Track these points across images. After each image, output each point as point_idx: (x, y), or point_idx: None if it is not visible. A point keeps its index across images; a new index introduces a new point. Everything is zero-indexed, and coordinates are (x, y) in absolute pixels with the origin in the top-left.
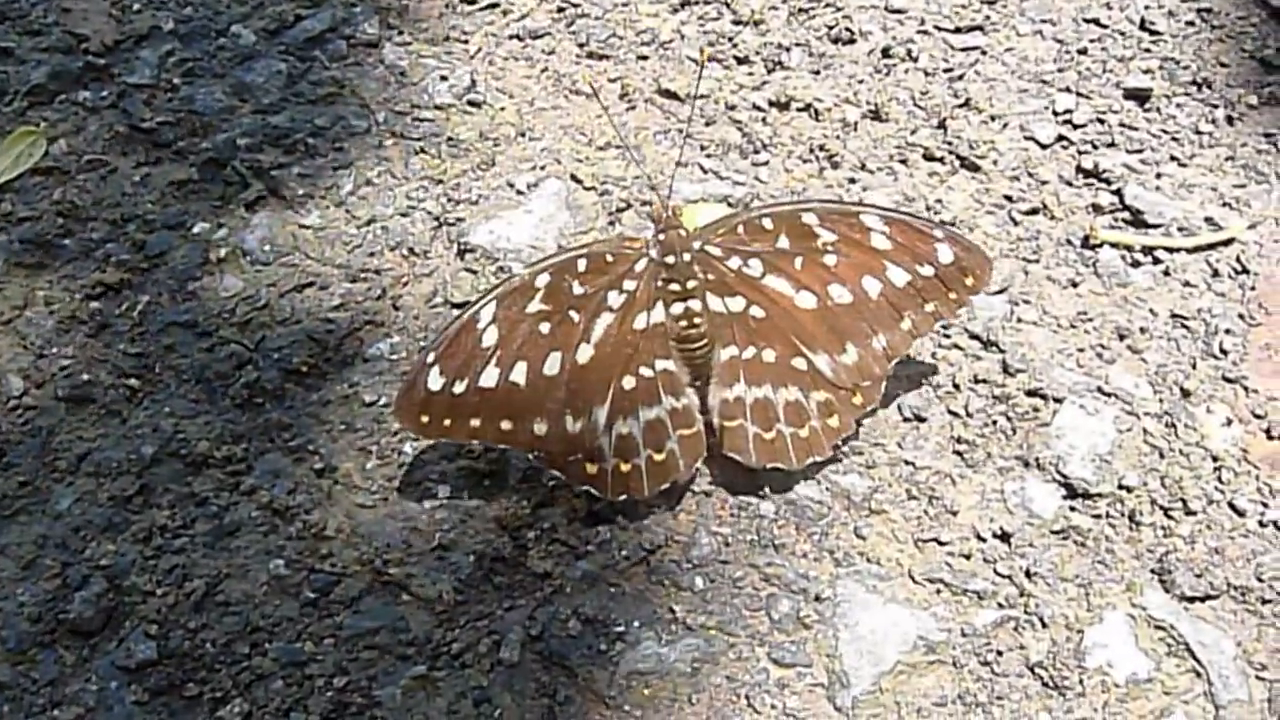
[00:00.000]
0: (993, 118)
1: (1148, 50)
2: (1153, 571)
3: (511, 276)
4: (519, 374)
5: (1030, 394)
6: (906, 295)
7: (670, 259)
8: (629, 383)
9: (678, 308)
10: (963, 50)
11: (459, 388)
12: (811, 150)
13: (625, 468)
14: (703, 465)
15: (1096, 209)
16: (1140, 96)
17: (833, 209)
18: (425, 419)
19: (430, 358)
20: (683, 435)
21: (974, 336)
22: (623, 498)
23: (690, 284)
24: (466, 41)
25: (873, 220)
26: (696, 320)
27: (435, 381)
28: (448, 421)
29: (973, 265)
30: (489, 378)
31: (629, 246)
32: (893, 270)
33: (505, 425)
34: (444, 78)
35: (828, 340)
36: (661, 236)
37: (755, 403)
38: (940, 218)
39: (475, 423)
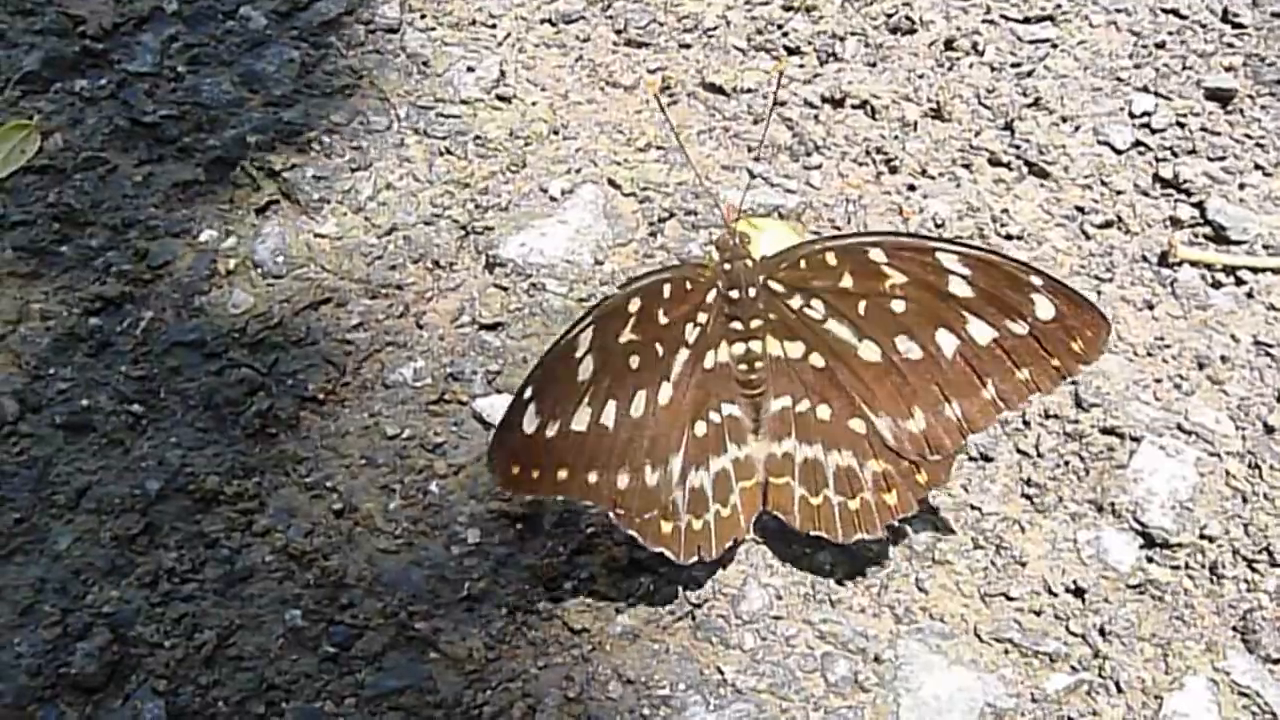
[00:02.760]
0: (1064, 119)
1: (1230, 45)
2: (1235, 630)
3: (609, 296)
4: (609, 415)
5: (1105, 431)
6: (991, 356)
7: (735, 293)
8: (700, 429)
9: (739, 348)
10: (1031, 43)
11: (551, 431)
12: (867, 152)
13: (697, 525)
14: None
15: (1175, 223)
16: (1223, 97)
17: (903, 244)
18: (516, 469)
19: (528, 392)
20: (744, 488)
21: None
22: (694, 561)
23: (754, 323)
24: (494, 26)
25: (951, 260)
26: (757, 364)
27: (530, 422)
28: (536, 473)
29: (1082, 326)
30: (580, 420)
31: (702, 275)
32: (974, 324)
33: (591, 477)
34: (470, 69)
35: (891, 402)
36: (727, 267)
37: (805, 462)
38: (1006, 230)
39: (563, 474)
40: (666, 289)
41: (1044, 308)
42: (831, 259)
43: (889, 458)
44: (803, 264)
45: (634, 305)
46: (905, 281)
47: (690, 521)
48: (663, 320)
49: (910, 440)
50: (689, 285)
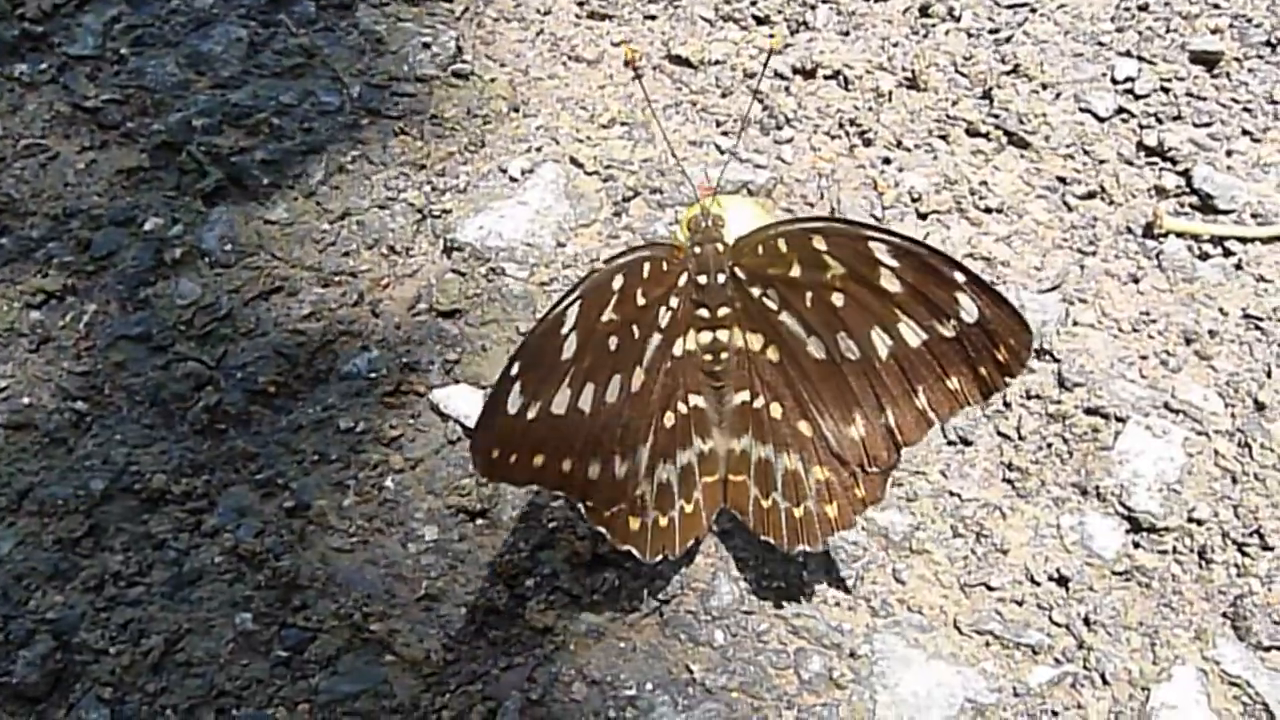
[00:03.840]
0: (1044, 86)
1: (1216, 6)
2: (1225, 616)
3: (595, 270)
4: (586, 399)
5: (1089, 412)
6: (922, 361)
7: (704, 278)
8: (669, 419)
9: (705, 337)
10: (1010, 7)
11: (532, 413)
12: (841, 125)
13: (663, 521)
14: None
15: (1160, 192)
16: (1209, 60)
17: (838, 230)
18: (497, 453)
19: (515, 368)
20: (707, 484)
21: None
22: (659, 560)
23: (721, 311)
24: (451, 0)
25: (881, 250)
26: (723, 355)
27: (514, 402)
28: (514, 458)
29: (1005, 333)
30: (560, 402)
31: (676, 256)
32: (904, 324)
33: (565, 465)
34: (426, 45)
35: (836, 404)
36: (698, 250)
37: (759, 461)
38: (985, 203)
39: (538, 460)
40: (646, 268)
41: (968, 309)
42: (782, 245)
43: (833, 466)
44: (760, 250)
45: (617, 282)
46: (843, 273)
47: (657, 518)
48: (640, 301)
49: (850, 447)
50: (665, 266)
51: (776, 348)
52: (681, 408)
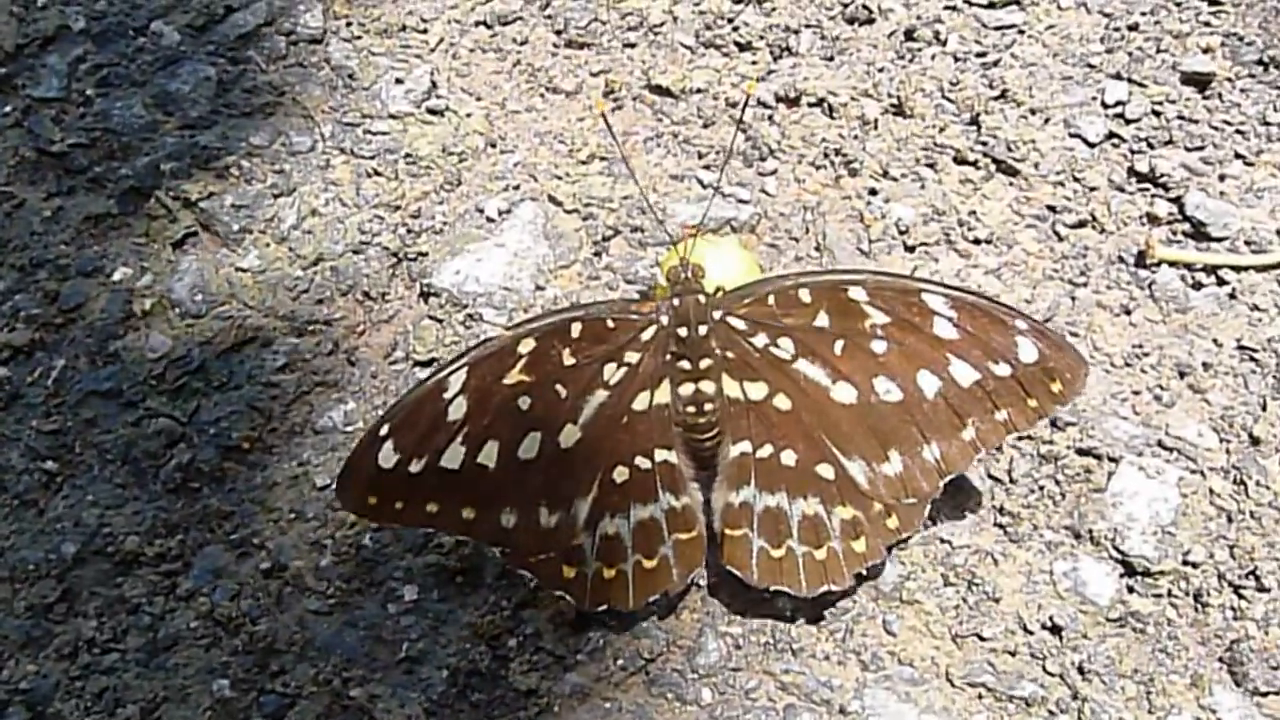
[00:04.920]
0: (1033, 111)
1: (1207, 24)
2: (1221, 661)
3: (489, 339)
4: (488, 455)
5: (1082, 452)
6: (973, 398)
7: (684, 330)
8: (621, 474)
9: (686, 389)
10: (997, 29)
11: (416, 466)
12: (826, 154)
13: (609, 574)
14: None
15: (1152, 220)
16: (1200, 81)
17: (887, 284)
18: (373, 500)
19: (384, 429)
20: (679, 540)
21: None
22: (602, 609)
23: (704, 362)
24: (425, 31)
25: (937, 302)
26: (707, 406)
27: (388, 458)
28: (399, 505)
29: (1062, 367)
30: (452, 458)
31: (636, 311)
32: (958, 366)
33: (467, 513)
34: (399, 80)
35: (866, 444)
36: (677, 301)
37: (765, 512)
38: (974, 234)
39: (432, 508)
40: (576, 329)
41: (1027, 350)
42: (806, 295)
43: (859, 503)
44: (771, 300)
45: (525, 346)
46: (888, 322)
47: (600, 570)
48: (568, 361)
49: (885, 484)
50: (611, 323)
51: (787, 395)
52: (642, 462)
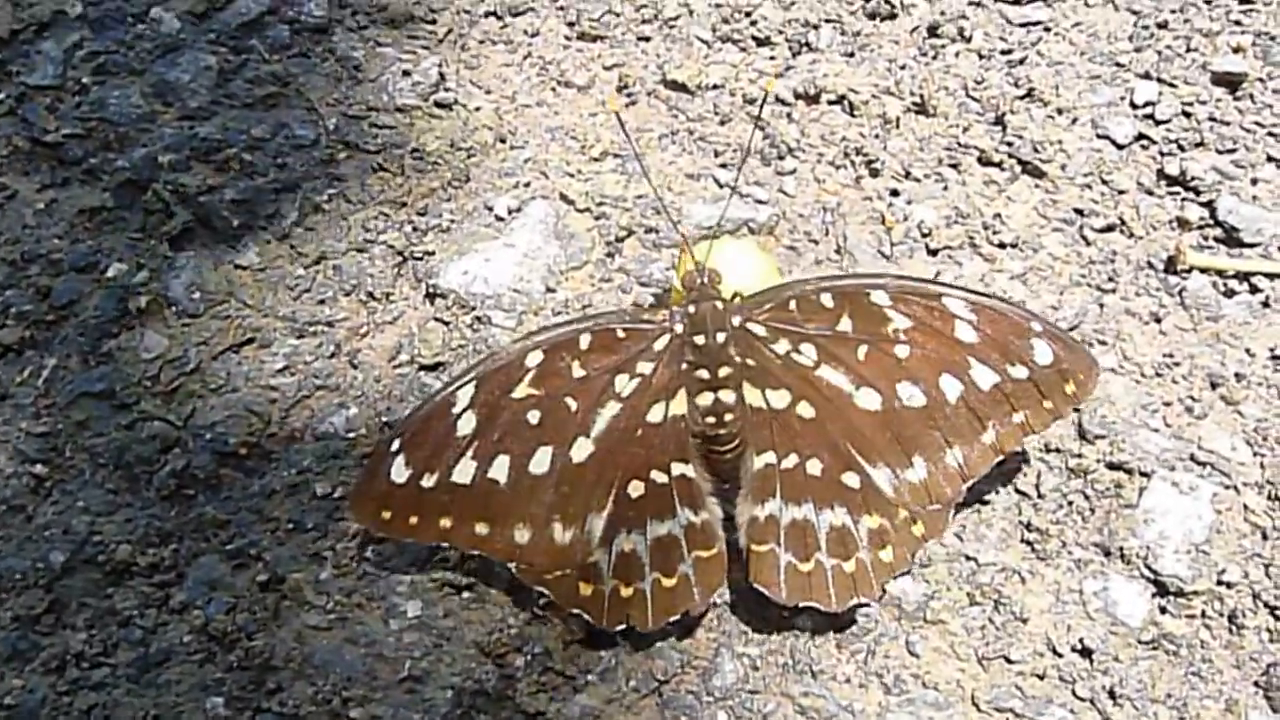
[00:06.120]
0: (1059, 111)
1: (1237, 23)
2: (1257, 685)
3: (497, 353)
4: (499, 470)
5: (1112, 466)
6: (992, 401)
7: (700, 338)
8: (636, 489)
9: (705, 399)
10: (1023, 26)
11: (428, 481)
12: (846, 154)
13: (626, 592)
14: None
15: (1182, 224)
16: (1231, 82)
17: (909, 288)
18: (387, 515)
19: (395, 444)
20: (700, 558)
21: None
22: (620, 628)
23: (723, 371)
24: (434, 22)
25: (958, 306)
26: (727, 416)
27: (400, 472)
28: (414, 520)
29: (1075, 369)
30: (463, 472)
31: (648, 320)
32: (978, 369)
33: (480, 529)
34: (407, 72)
35: (890, 451)
36: (692, 309)
37: (792, 525)
38: (999, 238)
39: (445, 523)
40: (585, 340)
41: (1043, 352)
42: (829, 300)
43: (886, 511)
44: (792, 305)
45: (533, 359)
46: (910, 326)
47: (617, 588)
48: (577, 373)
49: (910, 491)
50: (622, 333)
51: (810, 403)
52: (658, 476)
